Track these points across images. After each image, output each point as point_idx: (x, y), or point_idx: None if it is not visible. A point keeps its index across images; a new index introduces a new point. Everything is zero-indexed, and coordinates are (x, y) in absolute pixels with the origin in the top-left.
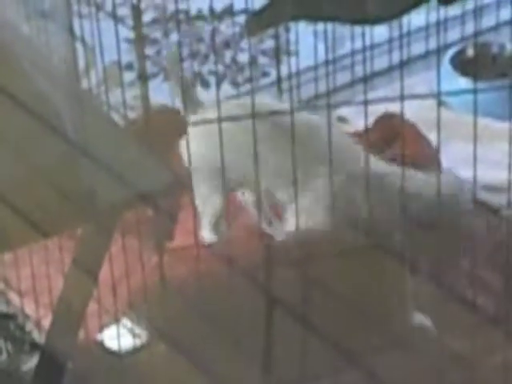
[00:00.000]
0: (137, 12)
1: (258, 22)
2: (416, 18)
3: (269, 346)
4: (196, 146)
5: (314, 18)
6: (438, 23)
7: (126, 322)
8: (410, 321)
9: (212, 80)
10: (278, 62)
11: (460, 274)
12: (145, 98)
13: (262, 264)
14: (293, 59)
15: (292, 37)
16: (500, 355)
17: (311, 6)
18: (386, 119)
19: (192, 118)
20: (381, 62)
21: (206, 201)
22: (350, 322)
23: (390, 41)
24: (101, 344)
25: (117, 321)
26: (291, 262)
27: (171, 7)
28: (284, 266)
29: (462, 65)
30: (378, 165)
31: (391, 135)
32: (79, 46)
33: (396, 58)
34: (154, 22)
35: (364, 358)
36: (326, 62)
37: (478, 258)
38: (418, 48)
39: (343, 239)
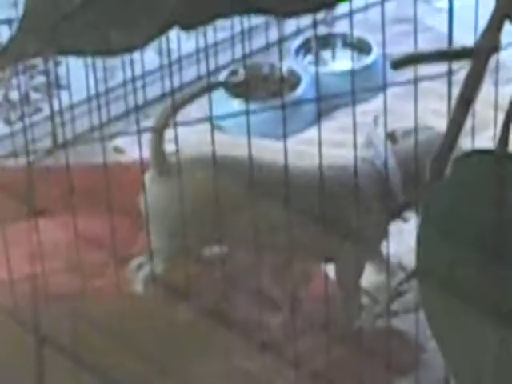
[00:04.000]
0: None
1: (3, 56)
2: (185, 44)
3: None
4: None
5: (60, 51)
6: (206, 47)
7: None
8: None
9: None
10: (50, 97)
11: None
12: None
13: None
14: (65, 93)
15: (63, 71)
16: None
17: (54, 39)
18: None
19: None
20: (153, 90)
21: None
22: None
23: (161, 68)
24: None
25: None
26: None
27: None
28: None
29: (233, 87)
30: None
31: None
32: None
33: (168, 85)
34: None
35: None
36: (97, 94)
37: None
38: (189, 74)
39: None
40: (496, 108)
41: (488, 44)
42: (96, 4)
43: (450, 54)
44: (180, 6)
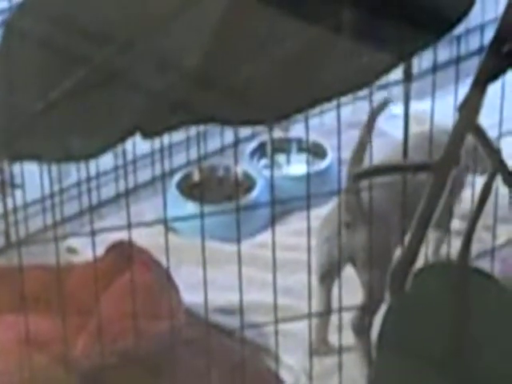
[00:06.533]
0: None
1: None
2: (141, 145)
3: None
4: None
5: (16, 158)
6: (161, 149)
7: None
8: None
9: None
10: (4, 196)
11: None
12: None
13: None
14: (19, 192)
15: (17, 170)
16: None
17: (11, 145)
18: (116, 248)
19: None
20: (108, 191)
21: None
22: None
23: (116, 169)
24: None
25: None
26: None
27: None
28: None
29: (188, 189)
30: None
31: (122, 263)
32: None
33: (123, 185)
34: None
35: None
36: (51, 194)
37: (215, 379)
38: (144, 175)
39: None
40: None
41: (449, 159)
42: (57, 110)
43: (408, 168)
44: (141, 113)
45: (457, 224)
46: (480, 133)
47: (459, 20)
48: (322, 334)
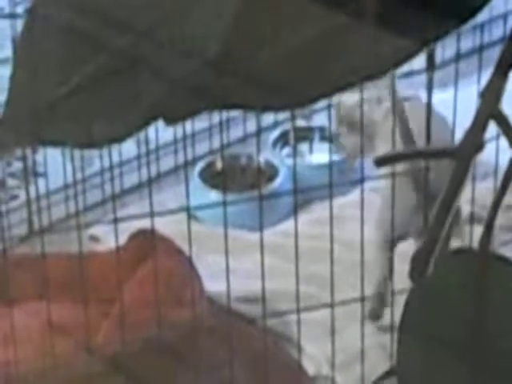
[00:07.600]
0: None
1: None
2: (164, 134)
3: None
4: None
5: (41, 143)
6: (184, 137)
7: None
8: None
9: None
10: (27, 184)
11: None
12: None
13: None
14: (42, 180)
15: (40, 158)
16: None
17: (36, 129)
18: (139, 236)
19: None
20: (131, 179)
21: None
22: None
23: (139, 157)
24: None
25: None
26: None
27: None
28: None
29: (211, 178)
30: None
31: (145, 252)
32: None
33: (145, 174)
34: None
35: None
36: (74, 182)
37: (237, 368)
38: (167, 163)
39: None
40: (472, 203)
41: (471, 144)
42: (80, 95)
43: (429, 153)
44: (164, 99)
45: (479, 212)
46: (502, 119)
47: (481, 6)
48: (378, 306)
